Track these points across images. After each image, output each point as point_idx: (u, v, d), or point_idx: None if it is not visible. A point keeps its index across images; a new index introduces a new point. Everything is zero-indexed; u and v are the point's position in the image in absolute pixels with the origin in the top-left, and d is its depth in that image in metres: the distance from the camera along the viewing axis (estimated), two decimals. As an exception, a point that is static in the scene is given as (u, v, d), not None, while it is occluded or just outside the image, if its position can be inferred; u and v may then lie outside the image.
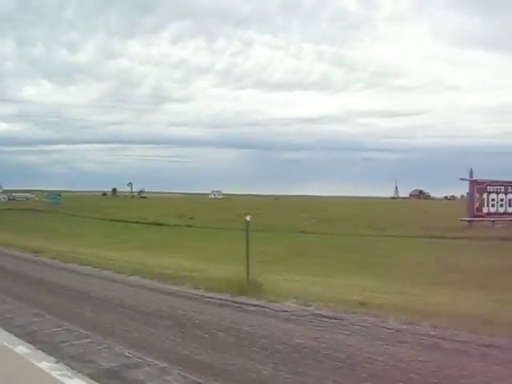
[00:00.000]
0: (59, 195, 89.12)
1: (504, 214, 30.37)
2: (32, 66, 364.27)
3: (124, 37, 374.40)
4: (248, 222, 8.68)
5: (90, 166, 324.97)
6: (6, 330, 5.86)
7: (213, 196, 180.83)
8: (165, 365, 4.58)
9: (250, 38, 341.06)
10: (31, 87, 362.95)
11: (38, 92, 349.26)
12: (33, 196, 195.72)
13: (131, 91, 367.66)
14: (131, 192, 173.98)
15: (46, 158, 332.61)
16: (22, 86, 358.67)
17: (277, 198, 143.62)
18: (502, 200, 30.35)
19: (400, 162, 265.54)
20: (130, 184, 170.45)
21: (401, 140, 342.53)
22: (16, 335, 5.60)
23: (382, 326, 5.74)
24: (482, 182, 30.14)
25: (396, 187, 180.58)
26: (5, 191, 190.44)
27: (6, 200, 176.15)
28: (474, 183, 29.81)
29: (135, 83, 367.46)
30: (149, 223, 39.17)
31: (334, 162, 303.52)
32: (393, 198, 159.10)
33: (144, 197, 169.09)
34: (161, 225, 37.39)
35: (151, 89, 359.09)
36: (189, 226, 36.03)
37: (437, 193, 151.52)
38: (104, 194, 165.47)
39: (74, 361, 4.65)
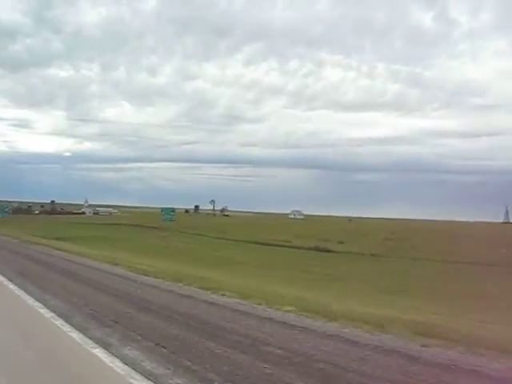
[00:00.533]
0: (173, 211, 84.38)
1: None
2: (114, 89, 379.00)
3: (200, 59, 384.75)
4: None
5: (163, 184, 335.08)
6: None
7: (293, 216, 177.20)
8: None
9: (321, 58, 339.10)
10: (113, 108, 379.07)
11: (119, 113, 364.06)
12: (116, 211, 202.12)
13: (205, 112, 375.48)
14: (213, 210, 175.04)
15: (123, 175, 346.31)
16: (105, 108, 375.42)
17: (350, 219, 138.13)
18: None
19: (479, 184, 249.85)
20: (212, 202, 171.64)
21: (479, 161, 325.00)
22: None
23: None
24: None
25: (507, 211, 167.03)
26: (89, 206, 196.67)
27: (91, 214, 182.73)
28: None
29: (209, 104, 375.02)
30: (309, 248, 36.33)
31: (406, 183, 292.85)
32: (506, 223, 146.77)
33: (227, 215, 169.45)
34: (328, 251, 34.40)
35: (224, 109, 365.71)
36: (401, 257, 31.39)
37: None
38: (186, 211, 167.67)
39: None
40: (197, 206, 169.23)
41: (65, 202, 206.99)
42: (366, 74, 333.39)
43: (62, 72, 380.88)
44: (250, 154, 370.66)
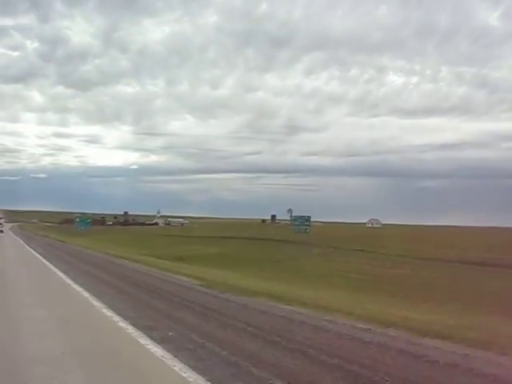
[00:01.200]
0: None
1: None
2: (178, 103, 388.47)
3: (261, 71, 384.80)
4: None
5: (226, 194, 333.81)
6: None
7: (370, 225, 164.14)
8: None
9: (383, 64, 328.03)
10: (177, 122, 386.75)
11: (183, 126, 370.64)
12: (186, 221, 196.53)
13: (267, 122, 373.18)
14: (291, 219, 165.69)
15: (187, 186, 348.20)
16: (169, 121, 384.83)
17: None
18: None
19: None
20: (289, 211, 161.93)
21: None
22: None
23: None
24: None
25: None
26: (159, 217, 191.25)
27: (163, 225, 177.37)
28: None
29: (271, 114, 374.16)
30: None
31: (473, 189, 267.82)
32: None
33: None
34: None
35: (285, 119, 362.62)
36: None
37: None
38: (263, 220, 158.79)
39: None
40: (273, 216, 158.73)
41: (135, 212, 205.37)
42: (430, 78, 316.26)
43: (128, 88, 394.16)
44: (312, 163, 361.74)
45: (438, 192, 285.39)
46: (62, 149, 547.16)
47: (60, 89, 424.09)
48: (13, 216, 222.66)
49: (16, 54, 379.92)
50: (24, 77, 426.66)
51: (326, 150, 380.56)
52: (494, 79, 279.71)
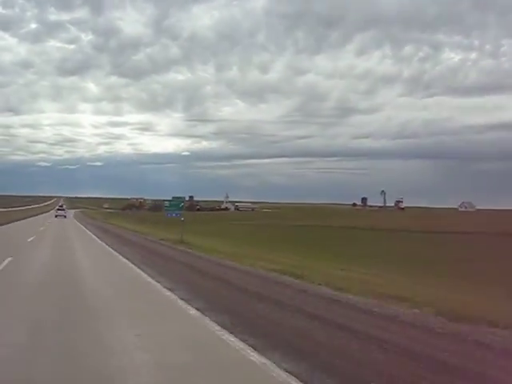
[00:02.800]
0: None
1: None
2: (228, 88, 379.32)
3: (311, 53, 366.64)
4: None
5: (277, 179, 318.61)
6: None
7: (464, 209, 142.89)
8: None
9: (439, 41, 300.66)
10: (227, 107, 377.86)
11: (233, 111, 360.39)
12: (256, 207, 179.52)
13: (318, 105, 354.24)
14: (384, 203, 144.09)
15: (239, 171, 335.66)
16: (220, 107, 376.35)
17: None
18: None
19: None
20: (383, 192, 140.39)
21: None
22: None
23: None
24: None
25: None
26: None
27: (233, 210, 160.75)
28: None
29: (321, 97, 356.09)
30: None
31: None
32: None
33: (402, 208, 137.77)
34: None
35: (337, 102, 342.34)
36: None
37: None
38: (354, 204, 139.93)
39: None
40: (364, 199, 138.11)
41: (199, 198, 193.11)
42: (490, 54, 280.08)
43: (179, 76, 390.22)
44: (364, 146, 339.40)
45: (497, 175, 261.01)
46: (117, 137, 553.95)
47: (114, 79, 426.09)
48: (72, 203, 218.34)
49: (72, 47, 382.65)
50: (80, 69, 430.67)
51: (379, 132, 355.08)
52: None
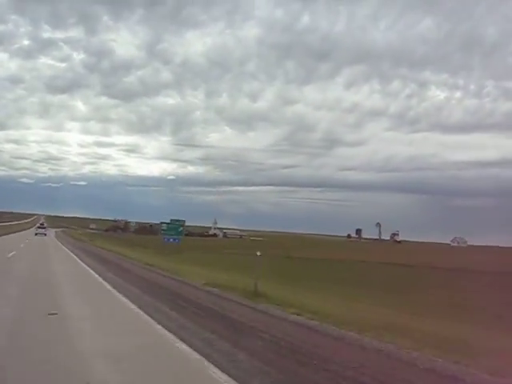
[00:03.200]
0: None
1: None
2: (217, 115, 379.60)
3: (301, 83, 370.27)
4: None
5: (263, 207, 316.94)
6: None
7: (456, 244, 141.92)
8: None
9: (425, 78, 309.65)
10: (215, 134, 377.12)
11: (221, 138, 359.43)
12: (243, 234, 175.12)
13: (305, 136, 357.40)
14: (379, 235, 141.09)
15: (225, 198, 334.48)
16: (208, 133, 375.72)
17: None
18: None
19: None
20: (378, 224, 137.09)
21: None
22: None
23: None
24: None
25: None
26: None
27: (221, 236, 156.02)
28: None
29: (309, 128, 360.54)
30: None
31: None
32: None
33: (399, 241, 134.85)
34: None
35: (324, 133, 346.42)
36: None
37: None
38: (349, 235, 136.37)
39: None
40: (359, 230, 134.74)
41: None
42: (474, 94, 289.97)
43: (169, 100, 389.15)
44: (349, 178, 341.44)
45: (479, 211, 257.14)
46: (103, 157, 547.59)
47: (103, 99, 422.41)
48: (54, 221, 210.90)
49: (63, 65, 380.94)
50: (70, 87, 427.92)
51: (365, 164, 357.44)
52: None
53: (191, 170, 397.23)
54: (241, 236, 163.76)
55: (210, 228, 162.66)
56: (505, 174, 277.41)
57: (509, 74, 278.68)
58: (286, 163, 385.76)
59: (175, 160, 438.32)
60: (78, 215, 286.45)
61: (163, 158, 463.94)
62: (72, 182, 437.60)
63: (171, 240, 48.68)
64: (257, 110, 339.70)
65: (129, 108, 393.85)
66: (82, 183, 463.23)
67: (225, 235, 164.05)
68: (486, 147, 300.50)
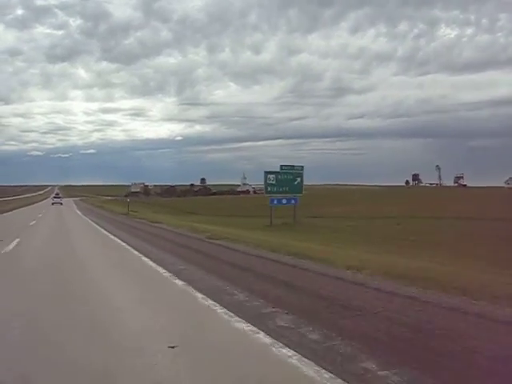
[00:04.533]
0: None
1: None
2: (220, 71, 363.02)
3: (304, 32, 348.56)
4: None
5: (272, 162, 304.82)
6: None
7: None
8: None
9: (434, 16, 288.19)
10: (220, 90, 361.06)
11: (226, 94, 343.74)
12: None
13: (312, 86, 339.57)
14: (439, 179, 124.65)
15: (233, 155, 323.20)
16: (212, 90, 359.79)
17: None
18: None
19: None
20: (437, 168, 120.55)
21: None
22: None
23: None
24: None
25: None
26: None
27: (252, 194, 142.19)
28: None
29: (315, 77, 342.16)
30: None
31: None
32: None
33: (464, 185, 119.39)
34: None
35: (331, 82, 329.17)
36: None
37: None
38: (407, 182, 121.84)
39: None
40: (416, 175, 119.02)
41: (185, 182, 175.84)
42: (486, 29, 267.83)
43: (171, 59, 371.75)
44: (358, 126, 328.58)
45: (492, 151, 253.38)
46: (109, 124, 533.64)
47: (104, 64, 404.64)
48: (67, 191, 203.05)
49: (60, 32, 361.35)
50: (69, 55, 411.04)
51: (373, 111, 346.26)
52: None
53: (198, 129, 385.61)
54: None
55: (239, 185, 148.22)
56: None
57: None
58: (294, 115, 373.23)
59: (182, 120, 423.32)
60: (90, 183, 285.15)
61: (170, 119, 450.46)
62: (81, 151, 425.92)
63: (284, 202, 32.50)
64: (261, 62, 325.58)
65: (131, 71, 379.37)
66: (92, 151, 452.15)
67: (255, 191, 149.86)
68: (499, 84, 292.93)
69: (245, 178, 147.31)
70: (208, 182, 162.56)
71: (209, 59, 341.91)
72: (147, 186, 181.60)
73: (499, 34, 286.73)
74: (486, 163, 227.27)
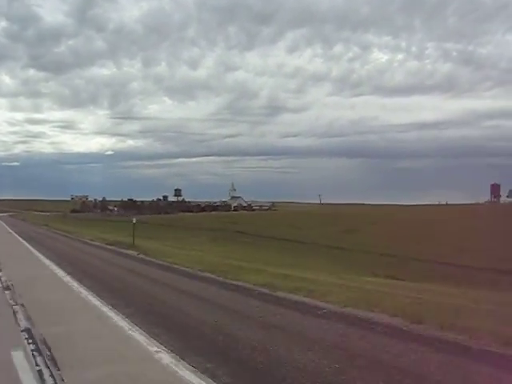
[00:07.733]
0: None
1: None
2: (156, 85, 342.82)
3: (242, 49, 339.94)
4: None
5: (206, 178, 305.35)
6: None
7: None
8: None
9: (368, 41, 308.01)
10: (155, 105, 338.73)
11: (160, 109, 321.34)
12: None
13: (247, 103, 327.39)
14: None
15: (166, 171, 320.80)
16: (147, 104, 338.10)
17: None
18: None
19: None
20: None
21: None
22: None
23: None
24: None
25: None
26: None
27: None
28: None
29: (251, 95, 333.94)
30: None
31: (455, 168, 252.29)
32: None
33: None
34: None
35: (266, 100, 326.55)
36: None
37: None
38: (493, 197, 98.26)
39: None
40: (496, 185, 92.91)
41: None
42: (415, 56, 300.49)
43: (104, 71, 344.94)
44: (292, 144, 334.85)
45: (418, 172, 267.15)
46: (36, 135, 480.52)
47: (32, 72, 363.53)
48: None
49: None
50: None
51: (308, 130, 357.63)
52: (479, 56, 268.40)
53: (131, 143, 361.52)
54: (269, 208, 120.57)
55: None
56: (445, 134, 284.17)
57: (449, 35, 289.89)
58: (228, 132, 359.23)
59: (114, 134, 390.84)
60: (13, 197, 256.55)
61: (101, 132, 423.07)
62: (4, 163, 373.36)
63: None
64: (197, 78, 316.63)
65: (61, 81, 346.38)
66: (15, 164, 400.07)
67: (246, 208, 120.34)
68: (426, 108, 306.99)
69: (234, 190, 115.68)
70: (143, 198, 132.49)
71: (144, 72, 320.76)
72: (87, 199, 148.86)
73: (427, 60, 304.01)
74: (410, 183, 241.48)
